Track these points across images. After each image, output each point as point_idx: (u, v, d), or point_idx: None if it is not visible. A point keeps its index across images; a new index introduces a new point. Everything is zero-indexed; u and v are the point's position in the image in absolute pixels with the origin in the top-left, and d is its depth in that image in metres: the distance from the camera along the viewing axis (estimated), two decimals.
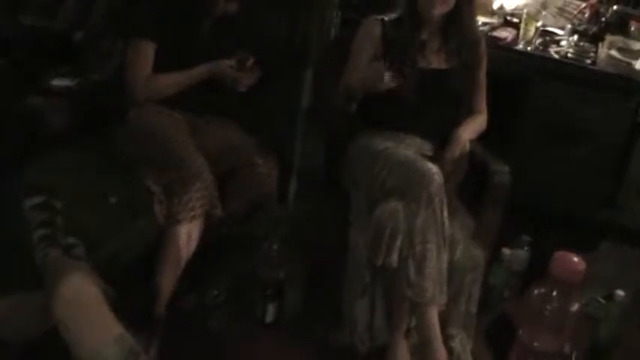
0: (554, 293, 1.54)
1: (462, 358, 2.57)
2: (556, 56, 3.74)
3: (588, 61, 3.71)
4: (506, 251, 3.13)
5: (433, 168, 2.39)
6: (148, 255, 2.37)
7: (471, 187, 2.76)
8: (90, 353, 1.66)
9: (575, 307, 1.55)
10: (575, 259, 1.55)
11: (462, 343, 2.59)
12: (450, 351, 2.48)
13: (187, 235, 2.37)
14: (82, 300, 1.72)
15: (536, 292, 1.56)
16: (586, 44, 3.76)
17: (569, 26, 3.91)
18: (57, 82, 2.87)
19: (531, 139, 3.79)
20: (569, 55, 3.74)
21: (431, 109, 2.71)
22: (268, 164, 2.76)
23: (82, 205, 2.09)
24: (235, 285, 2.78)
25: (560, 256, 1.55)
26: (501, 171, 2.73)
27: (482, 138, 2.86)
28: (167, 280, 2.36)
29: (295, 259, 2.79)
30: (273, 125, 3.03)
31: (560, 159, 3.73)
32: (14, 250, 1.96)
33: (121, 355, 1.66)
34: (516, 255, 3.15)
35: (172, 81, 2.70)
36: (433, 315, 2.37)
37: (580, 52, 3.72)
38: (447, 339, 2.48)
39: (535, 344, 1.56)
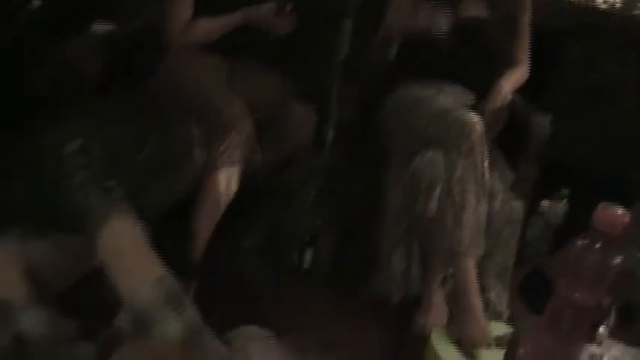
0: (596, 245, 1.52)
1: (497, 309, 2.58)
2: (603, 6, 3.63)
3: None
4: (544, 204, 3.11)
5: (474, 117, 2.36)
6: (187, 201, 2.38)
7: (510, 138, 2.73)
8: (131, 292, 1.68)
9: (616, 260, 1.53)
10: (619, 211, 1.53)
11: (498, 294, 2.60)
12: (486, 302, 2.49)
13: (226, 181, 2.37)
14: (125, 241, 1.74)
15: (577, 243, 1.54)
16: None
17: None
18: (95, 28, 2.86)
19: (571, 94, 3.72)
20: (617, 5, 3.62)
21: (471, 58, 2.67)
22: (305, 113, 2.74)
23: (120, 150, 2.10)
24: (271, 233, 2.79)
25: (604, 207, 1.53)
26: (542, 123, 2.69)
27: (523, 90, 2.82)
28: (204, 226, 2.37)
29: (331, 208, 2.79)
30: (311, 74, 3.01)
31: (599, 116, 3.66)
32: (54, 195, 1.98)
33: (162, 296, 1.68)
34: (554, 208, 3.12)
35: (211, 26, 2.68)
36: (470, 265, 2.37)
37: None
38: (482, 290, 2.48)
39: (573, 296, 1.55)
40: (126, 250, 1.73)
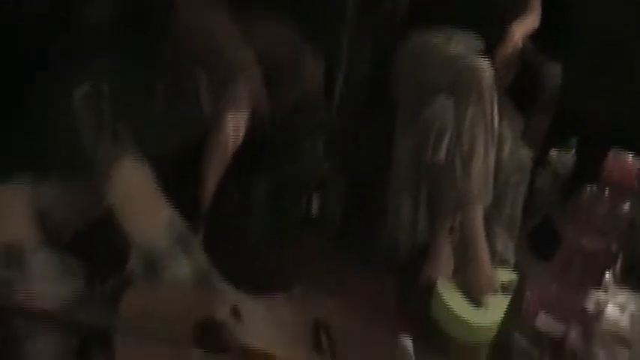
0: (606, 193, 1.52)
1: (504, 258, 2.59)
2: None
3: None
4: (553, 153, 3.10)
5: (484, 64, 2.34)
6: (195, 148, 2.38)
7: (521, 87, 2.71)
8: (140, 235, 1.69)
9: (625, 208, 1.54)
10: (630, 159, 1.53)
11: (505, 243, 2.61)
12: (492, 251, 2.50)
13: (234, 127, 2.36)
14: (134, 184, 1.75)
15: (588, 190, 1.54)
16: None
17: None
18: None
19: (583, 43, 3.67)
20: None
21: (482, 5, 2.63)
22: (315, 63, 2.72)
23: (129, 96, 2.09)
24: (279, 182, 2.79)
25: (615, 155, 1.53)
26: (553, 72, 2.67)
27: (534, 38, 2.79)
28: (212, 173, 2.37)
29: (339, 158, 2.78)
30: (321, 24, 2.98)
31: (611, 65, 3.61)
32: (63, 139, 1.99)
33: (171, 239, 1.69)
34: (563, 158, 3.11)
35: None
36: (478, 214, 2.37)
37: None
38: (490, 238, 2.49)
39: (582, 243, 1.55)
40: (135, 193, 1.74)
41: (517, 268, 2.59)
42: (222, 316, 1.35)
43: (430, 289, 2.49)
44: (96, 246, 1.92)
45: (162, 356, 1.42)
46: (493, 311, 2.36)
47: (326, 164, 2.76)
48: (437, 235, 2.53)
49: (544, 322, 1.56)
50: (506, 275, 2.49)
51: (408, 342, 2.04)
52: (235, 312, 1.33)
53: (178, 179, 2.11)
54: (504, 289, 2.43)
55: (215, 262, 1.75)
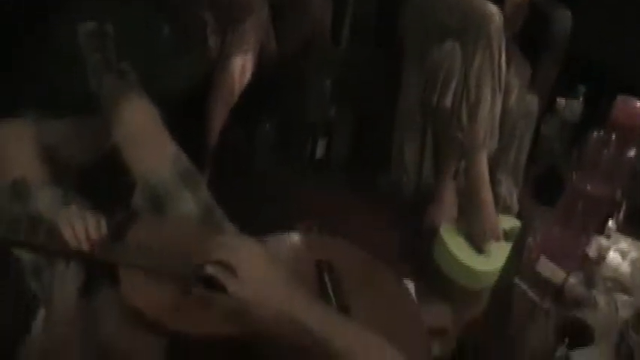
0: (613, 137, 1.52)
1: (507, 204, 2.60)
2: None
3: None
4: (561, 101, 3.08)
5: (493, 9, 2.31)
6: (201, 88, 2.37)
7: (530, 33, 2.68)
8: (146, 171, 1.69)
9: (631, 153, 1.53)
10: (638, 105, 1.52)
11: (509, 189, 2.61)
12: (497, 196, 2.50)
13: (241, 68, 2.35)
14: (139, 121, 1.74)
15: (595, 135, 1.53)
16: None
17: None
18: None
19: None
20: None
21: None
22: (322, 3, 2.69)
23: (135, 33, 2.08)
24: (285, 123, 2.79)
25: (623, 99, 1.52)
26: (562, 18, 2.63)
27: None
28: (218, 113, 2.36)
29: (346, 99, 2.77)
30: None
31: (621, 12, 3.56)
32: (70, 76, 1.98)
33: (176, 175, 1.69)
34: (571, 105, 3.09)
35: None
36: (483, 160, 2.37)
37: None
38: (494, 185, 2.49)
39: (587, 188, 1.55)
40: (140, 130, 1.74)
41: (520, 215, 2.60)
42: (215, 270, 1.35)
43: (433, 234, 2.50)
44: (101, 182, 1.93)
45: (166, 292, 1.43)
46: (495, 258, 2.38)
47: (332, 107, 2.75)
48: (441, 180, 2.54)
49: (545, 267, 1.57)
50: (509, 222, 2.50)
51: (410, 285, 2.05)
52: (229, 266, 1.32)
53: (184, 118, 2.10)
54: (507, 236, 2.44)
55: (220, 202, 1.76)
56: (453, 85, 2.30)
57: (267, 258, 1.33)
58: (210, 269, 1.31)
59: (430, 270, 2.45)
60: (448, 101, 2.31)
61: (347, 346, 1.22)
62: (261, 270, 1.30)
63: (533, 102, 2.60)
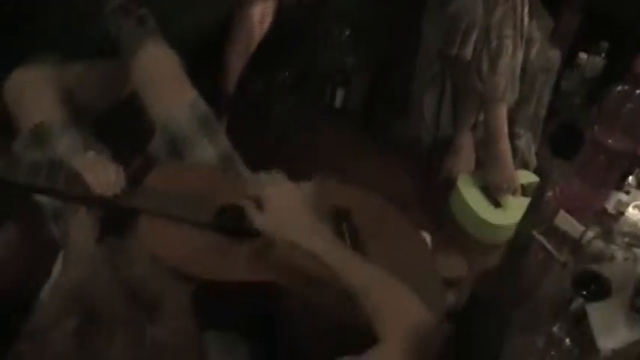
0: (635, 92, 1.50)
1: (525, 157, 2.58)
2: None
3: None
4: (582, 56, 3.03)
5: None
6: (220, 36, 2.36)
7: None
8: (165, 115, 1.70)
9: None
10: None
11: (528, 143, 2.59)
12: (514, 149, 2.49)
13: (260, 16, 2.33)
14: (158, 67, 1.75)
15: (616, 89, 1.52)
16: None
17: None
18: None
19: None
20: None
21: None
22: None
23: None
24: (303, 71, 2.77)
25: None
26: None
27: None
28: (237, 60, 2.35)
29: (365, 48, 2.74)
30: None
31: None
32: (90, 21, 1.97)
33: (195, 121, 1.69)
34: (592, 61, 3.05)
35: None
36: (502, 112, 2.35)
37: None
38: (512, 138, 2.48)
39: (607, 142, 1.54)
40: (159, 75, 1.74)
41: (538, 170, 2.59)
42: (244, 203, 1.37)
43: (450, 185, 2.50)
44: (119, 128, 1.93)
45: (185, 238, 1.44)
46: (512, 212, 2.37)
47: (350, 56, 2.73)
48: (460, 131, 2.53)
49: (564, 220, 1.56)
50: (527, 177, 2.49)
51: (426, 236, 2.06)
52: (257, 201, 1.34)
53: (203, 65, 2.10)
54: (525, 190, 2.44)
55: (237, 149, 1.76)
56: (474, 35, 2.27)
57: (294, 195, 1.35)
58: (243, 202, 1.34)
59: (446, 221, 2.45)
60: (468, 52, 2.28)
61: (365, 285, 1.24)
62: (288, 206, 1.33)
63: (554, 56, 2.56)
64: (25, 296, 1.66)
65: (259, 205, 1.35)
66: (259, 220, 1.34)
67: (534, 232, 1.57)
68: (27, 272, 1.80)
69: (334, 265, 1.27)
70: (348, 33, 2.68)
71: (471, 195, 2.43)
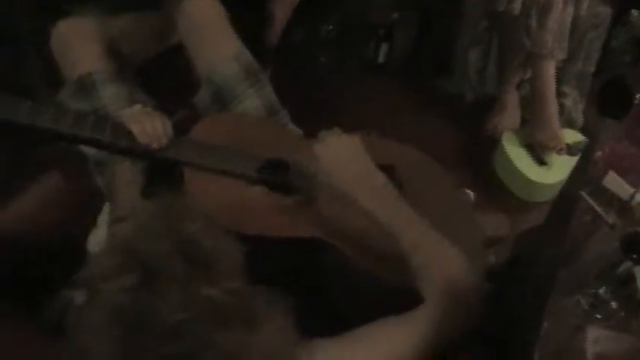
0: None
1: (572, 116, 2.54)
2: None
3: None
4: (634, 13, 2.95)
5: None
6: None
7: None
8: (210, 66, 1.70)
9: None
10: None
11: (575, 101, 2.55)
12: (561, 107, 2.45)
13: None
14: (204, 17, 1.74)
15: None
16: None
17: None
18: None
19: None
20: None
21: None
22: None
23: None
24: (347, 24, 2.74)
25: None
26: None
27: None
28: (281, 10, 2.33)
29: (409, 2, 2.70)
30: None
31: None
32: None
33: (241, 72, 1.69)
34: None
35: None
36: (550, 69, 2.30)
37: None
38: (559, 96, 2.43)
39: None
40: (205, 25, 1.73)
41: (584, 129, 2.55)
42: (294, 157, 1.37)
43: (495, 143, 2.47)
44: (165, 79, 1.93)
45: (228, 191, 1.45)
46: (557, 171, 2.35)
47: (395, 11, 2.69)
48: (506, 88, 2.49)
49: (613, 181, 1.54)
50: (572, 136, 2.45)
51: (469, 194, 2.05)
52: (308, 155, 1.34)
53: (247, 16, 2.08)
54: (570, 149, 2.40)
55: (281, 101, 1.76)
56: None
57: (346, 149, 1.35)
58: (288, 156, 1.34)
59: (489, 179, 2.43)
60: (516, 7, 2.23)
61: (415, 243, 1.24)
62: (340, 160, 1.33)
63: (604, 12, 2.49)
64: (69, 245, 1.69)
65: (310, 159, 1.35)
66: (312, 174, 1.34)
67: (582, 192, 1.54)
68: (71, 221, 1.83)
69: (386, 221, 1.26)
70: None
71: (515, 153, 2.40)
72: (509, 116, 2.50)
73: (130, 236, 0.92)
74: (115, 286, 0.87)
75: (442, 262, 1.22)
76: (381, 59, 2.70)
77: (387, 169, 1.53)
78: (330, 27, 2.71)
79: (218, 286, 0.90)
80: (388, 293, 1.36)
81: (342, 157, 1.35)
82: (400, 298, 1.21)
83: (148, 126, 1.47)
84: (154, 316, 0.87)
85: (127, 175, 1.51)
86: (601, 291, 1.31)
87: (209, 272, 0.91)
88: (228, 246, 0.96)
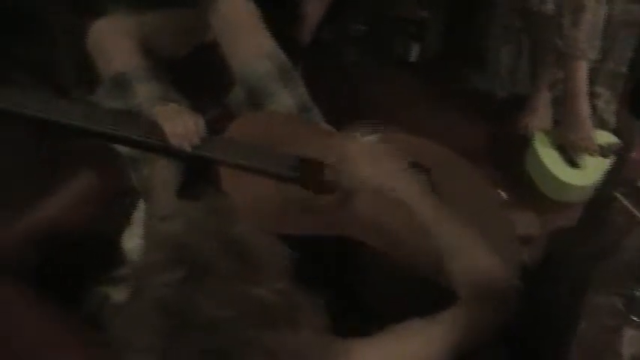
0: None
1: (604, 117, 2.51)
2: None
3: None
4: None
5: None
6: None
7: None
8: (243, 65, 1.71)
9: None
10: None
11: (607, 101, 2.52)
12: (593, 108, 2.42)
13: None
14: (238, 16, 1.75)
15: None
16: None
17: None
18: None
19: None
20: None
21: None
22: None
23: None
24: (378, 22, 2.74)
25: None
26: None
27: None
28: (314, 9, 2.34)
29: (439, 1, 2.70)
30: None
31: None
32: None
33: (274, 70, 1.69)
34: None
35: None
36: (582, 69, 2.28)
37: None
38: (591, 96, 2.41)
39: None
40: (239, 24, 1.74)
41: (617, 130, 2.52)
42: (327, 156, 1.37)
43: (526, 143, 2.45)
44: (198, 77, 1.94)
45: (261, 190, 1.45)
46: (589, 172, 2.32)
47: (425, 10, 2.68)
48: (537, 88, 2.47)
49: None
50: (605, 137, 2.42)
51: (501, 194, 2.03)
52: (342, 154, 1.35)
53: (279, 15, 2.09)
54: (602, 151, 2.38)
55: (312, 100, 1.76)
56: None
57: (381, 148, 1.35)
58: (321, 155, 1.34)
59: (519, 179, 2.42)
60: (550, 6, 2.22)
61: (451, 243, 1.23)
62: (376, 158, 1.33)
63: (637, 10, 2.47)
64: (103, 241, 1.71)
65: (344, 158, 1.35)
66: (347, 172, 1.34)
67: (616, 194, 1.54)
68: (105, 218, 1.84)
69: (422, 217, 1.26)
70: None
71: (546, 154, 2.38)
72: (541, 116, 2.48)
73: (179, 233, 0.92)
74: (161, 280, 0.88)
75: (476, 262, 1.22)
76: (411, 57, 2.70)
77: (419, 166, 1.53)
78: (360, 25, 2.71)
79: (266, 286, 0.91)
80: (421, 291, 1.36)
81: (375, 155, 1.35)
82: (434, 296, 1.21)
83: (181, 125, 1.48)
84: (196, 312, 0.87)
85: (163, 173, 1.52)
86: (636, 292, 1.30)
87: (257, 272, 0.91)
88: (275, 247, 0.97)
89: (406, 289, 1.41)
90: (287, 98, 1.68)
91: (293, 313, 0.94)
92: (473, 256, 1.22)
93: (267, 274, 0.92)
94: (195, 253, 0.89)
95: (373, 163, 1.34)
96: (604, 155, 2.35)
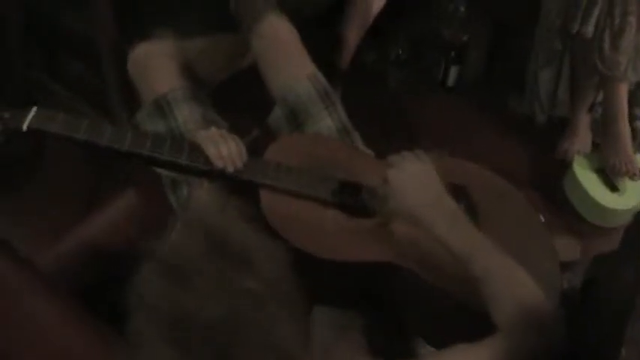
0: None
1: None
2: None
3: None
4: None
5: None
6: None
7: None
8: (284, 88, 1.72)
9: None
10: None
11: None
12: (634, 132, 2.40)
13: None
14: (280, 37, 1.77)
15: None
16: None
17: None
18: None
19: None
20: None
21: None
22: None
23: None
24: (418, 46, 2.75)
25: None
26: None
27: None
28: (353, 33, 2.35)
29: (481, 23, 2.69)
30: None
31: None
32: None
33: (314, 93, 1.71)
34: None
35: None
36: (622, 92, 2.27)
37: None
38: (632, 119, 2.39)
39: None
40: (279, 47, 1.76)
41: None
42: (368, 180, 1.38)
43: (565, 166, 2.44)
44: (239, 100, 1.96)
45: (304, 211, 1.46)
46: (630, 196, 2.31)
47: (466, 33, 2.68)
48: (577, 111, 2.45)
49: None
50: None
51: (540, 218, 2.02)
52: (382, 178, 1.36)
53: (319, 39, 2.10)
54: None
55: (352, 123, 1.77)
56: (596, 11, 2.18)
57: (421, 174, 1.36)
58: (371, 181, 1.37)
59: (559, 202, 2.40)
60: (590, 29, 2.20)
61: (487, 271, 1.23)
62: (415, 185, 1.34)
63: None
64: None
65: (382, 182, 1.36)
66: (385, 198, 1.35)
67: None
68: (143, 239, 1.86)
69: (458, 248, 1.26)
70: (463, 9, 2.63)
71: (586, 177, 2.36)
72: (581, 140, 2.47)
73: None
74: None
75: (515, 290, 1.21)
76: (450, 83, 2.70)
77: (460, 189, 1.53)
78: (401, 48, 2.72)
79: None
80: (460, 317, 1.36)
81: (414, 182, 1.35)
82: (474, 322, 1.20)
83: (224, 149, 1.49)
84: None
85: (205, 197, 1.53)
86: None
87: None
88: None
89: (446, 314, 1.40)
90: (327, 121, 1.69)
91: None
92: (508, 282, 1.22)
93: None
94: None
95: (408, 191, 1.34)
96: None
